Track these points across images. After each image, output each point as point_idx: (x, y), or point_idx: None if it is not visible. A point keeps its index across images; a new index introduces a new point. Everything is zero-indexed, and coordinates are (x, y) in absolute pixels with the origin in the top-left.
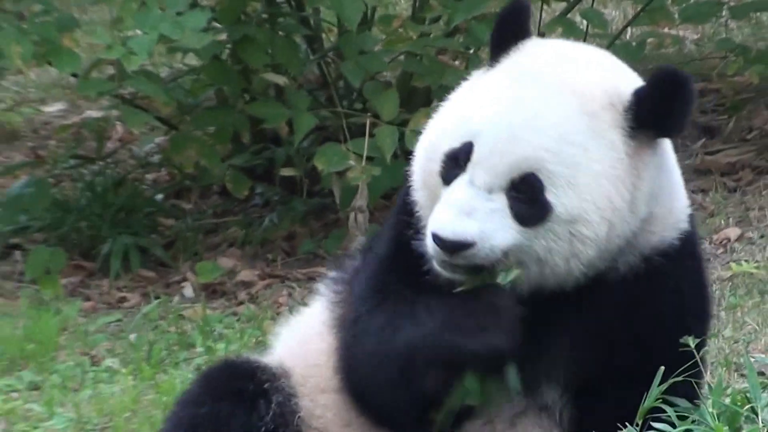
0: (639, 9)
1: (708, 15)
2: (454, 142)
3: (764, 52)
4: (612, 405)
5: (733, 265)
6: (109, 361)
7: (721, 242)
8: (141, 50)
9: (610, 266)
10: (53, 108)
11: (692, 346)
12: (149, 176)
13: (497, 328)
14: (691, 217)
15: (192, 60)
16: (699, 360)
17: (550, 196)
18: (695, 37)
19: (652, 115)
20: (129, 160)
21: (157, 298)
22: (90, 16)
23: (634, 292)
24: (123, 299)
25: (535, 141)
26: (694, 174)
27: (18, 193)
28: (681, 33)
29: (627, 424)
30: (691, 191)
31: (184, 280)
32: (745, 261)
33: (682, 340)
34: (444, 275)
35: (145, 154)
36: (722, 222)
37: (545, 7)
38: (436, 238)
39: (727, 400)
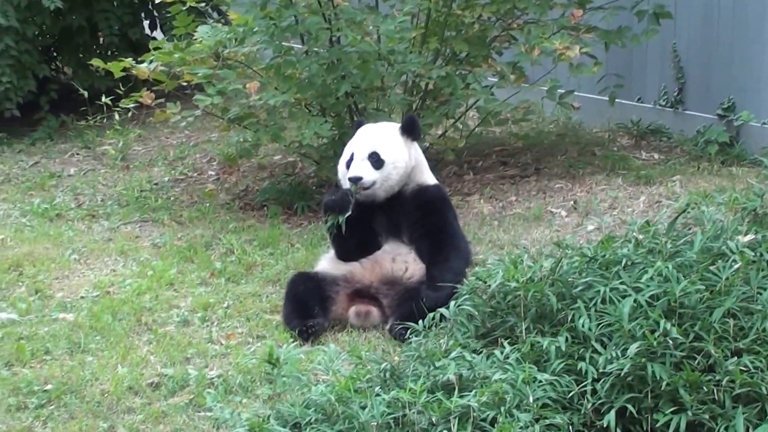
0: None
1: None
2: (347, 157)
3: (524, 135)
4: (423, 245)
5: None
6: (298, 245)
7: (509, 202)
8: (307, 137)
9: (405, 188)
10: (277, 157)
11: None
12: (311, 181)
13: (336, 198)
14: (439, 184)
15: (325, 140)
16: (450, 226)
17: (383, 156)
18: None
19: (407, 129)
20: (304, 177)
21: (314, 223)
22: (291, 126)
23: (416, 199)
24: (302, 224)
25: (372, 141)
26: (501, 179)
27: (265, 187)
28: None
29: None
30: (499, 186)
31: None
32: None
33: (437, 217)
34: (348, 187)
35: (309, 173)
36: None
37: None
38: (350, 179)
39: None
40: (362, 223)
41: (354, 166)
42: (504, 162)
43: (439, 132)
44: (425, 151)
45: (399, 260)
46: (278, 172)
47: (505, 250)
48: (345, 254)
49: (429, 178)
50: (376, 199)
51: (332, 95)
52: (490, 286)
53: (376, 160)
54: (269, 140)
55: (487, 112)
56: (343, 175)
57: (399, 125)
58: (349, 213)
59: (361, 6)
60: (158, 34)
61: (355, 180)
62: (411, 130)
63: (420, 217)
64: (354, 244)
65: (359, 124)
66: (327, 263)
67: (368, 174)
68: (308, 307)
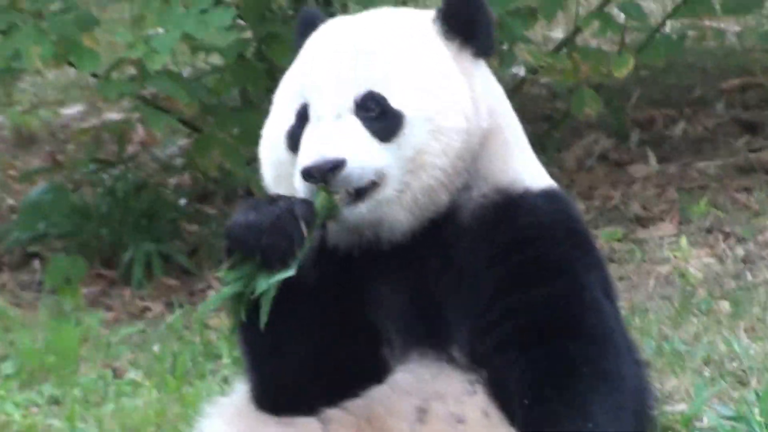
0: (679, 1)
1: (751, 7)
2: (291, 118)
3: None
4: (512, 366)
5: None
6: (133, 374)
7: (767, 243)
8: (163, 48)
9: (466, 196)
10: (72, 110)
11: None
12: (172, 180)
13: (260, 219)
14: (558, 190)
15: (215, 59)
16: (591, 310)
17: (395, 103)
18: (737, 29)
19: (457, 19)
20: (151, 163)
21: (180, 307)
22: (110, 14)
23: (498, 232)
24: (146, 309)
25: (365, 60)
26: (737, 172)
27: (36, 200)
28: (722, 25)
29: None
30: (735, 190)
31: (209, 288)
32: None
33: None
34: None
35: (167, 157)
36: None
37: (582, 1)
38: (307, 173)
39: None
40: (333, 304)
41: (317, 132)
42: (748, 125)
43: (557, 34)
44: (515, 90)
45: (438, 413)
46: (77, 152)
47: (754, 383)
48: (275, 394)
49: (528, 171)
50: (384, 233)
51: None
52: None
53: (379, 114)
54: (54, 59)
55: None
56: (281, 160)
57: (430, 13)
58: (292, 271)
59: None
60: None
61: (320, 171)
62: (469, 27)
63: (508, 284)
64: (309, 361)
65: (310, 19)
66: (226, 427)
67: (361, 154)
68: None
